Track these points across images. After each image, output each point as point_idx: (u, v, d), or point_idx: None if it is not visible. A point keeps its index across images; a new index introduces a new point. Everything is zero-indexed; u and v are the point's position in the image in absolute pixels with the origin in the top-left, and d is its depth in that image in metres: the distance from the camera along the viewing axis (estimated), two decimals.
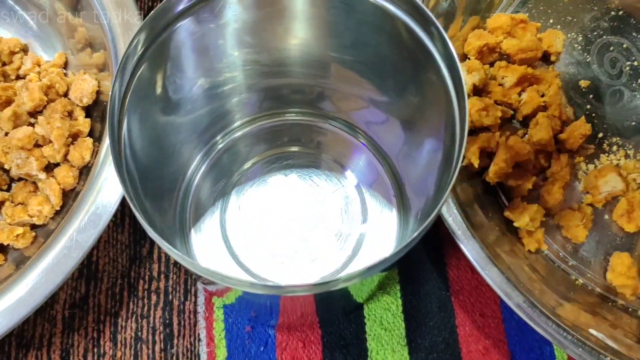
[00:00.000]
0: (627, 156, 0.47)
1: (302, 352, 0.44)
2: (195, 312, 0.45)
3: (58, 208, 0.42)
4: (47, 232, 0.41)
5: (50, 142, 0.43)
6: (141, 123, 0.35)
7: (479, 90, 0.46)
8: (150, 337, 0.44)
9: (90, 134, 0.45)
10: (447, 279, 0.46)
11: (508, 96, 0.46)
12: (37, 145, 0.43)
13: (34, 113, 0.45)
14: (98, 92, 0.45)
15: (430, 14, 0.32)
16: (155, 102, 0.37)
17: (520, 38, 0.48)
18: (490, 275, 0.37)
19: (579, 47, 0.50)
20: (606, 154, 0.47)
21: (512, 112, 0.47)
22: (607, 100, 0.49)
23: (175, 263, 0.46)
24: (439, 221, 0.38)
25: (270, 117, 0.47)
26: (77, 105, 0.45)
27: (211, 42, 0.38)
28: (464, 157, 0.31)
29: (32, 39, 0.49)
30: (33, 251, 0.40)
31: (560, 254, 0.44)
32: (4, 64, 0.47)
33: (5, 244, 0.42)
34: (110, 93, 0.31)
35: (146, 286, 0.45)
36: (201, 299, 0.45)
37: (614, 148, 0.47)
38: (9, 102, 0.45)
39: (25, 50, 0.48)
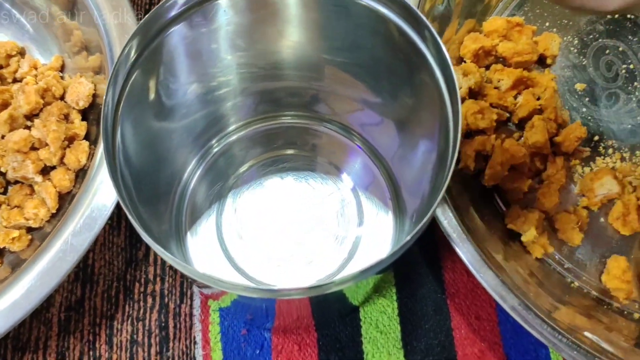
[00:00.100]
0: (622, 159, 0.47)
1: (298, 355, 0.44)
2: (191, 315, 0.45)
3: (54, 211, 0.42)
4: (43, 235, 0.41)
5: (47, 145, 0.43)
6: (135, 129, 0.35)
7: (474, 93, 0.46)
8: (146, 340, 0.44)
9: (87, 137, 0.45)
10: (442, 282, 0.46)
11: (504, 99, 0.46)
12: (34, 148, 0.43)
13: (31, 116, 0.45)
14: (94, 95, 0.45)
15: (423, 17, 0.33)
16: (149, 107, 0.37)
17: (516, 41, 0.48)
18: (485, 278, 0.37)
19: (575, 50, 0.50)
20: (602, 157, 0.47)
21: (507, 115, 0.47)
22: (603, 103, 0.49)
23: (171, 266, 0.46)
24: (435, 224, 0.38)
25: (265, 121, 0.47)
26: (74, 108, 0.45)
27: (204, 46, 0.38)
28: (458, 159, 0.31)
29: (29, 42, 0.50)
30: (29, 254, 0.40)
31: (556, 256, 0.44)
32: (1, 67, 0.47)
33: (1, 246, 0.42)
34: (103, 100, 0.31)
35: (142, 289, 0.45)
36: (197, 302, 0.45)
37: (610, 151, 0.47)
38: (5, 105, 0.45)
39: (22, 53, 0.49)
